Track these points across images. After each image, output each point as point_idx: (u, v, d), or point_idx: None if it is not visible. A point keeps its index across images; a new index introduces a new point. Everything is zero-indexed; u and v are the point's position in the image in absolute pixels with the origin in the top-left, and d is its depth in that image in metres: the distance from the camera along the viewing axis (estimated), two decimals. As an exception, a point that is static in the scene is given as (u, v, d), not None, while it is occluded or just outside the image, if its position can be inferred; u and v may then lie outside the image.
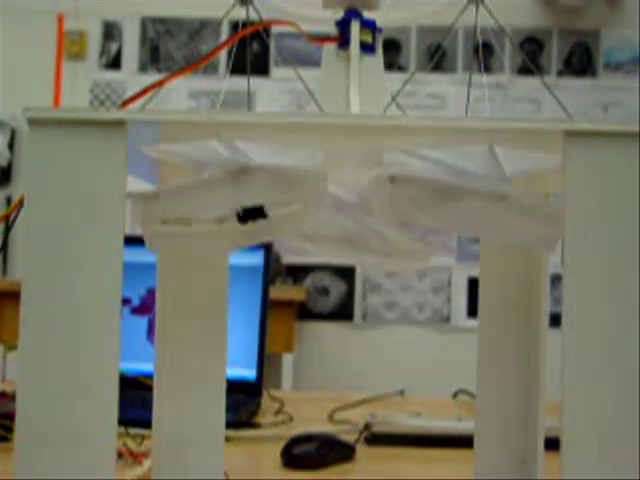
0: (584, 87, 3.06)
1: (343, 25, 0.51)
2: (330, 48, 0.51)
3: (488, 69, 2.89)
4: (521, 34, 2.97)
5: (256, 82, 2.93)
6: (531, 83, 2.95)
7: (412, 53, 2.96)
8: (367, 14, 0.51)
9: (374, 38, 0.51)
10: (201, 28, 3.07)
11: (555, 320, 0.46)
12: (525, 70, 2.98)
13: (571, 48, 3.08)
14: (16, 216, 0.45)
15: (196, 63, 0.46)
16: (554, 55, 3.06)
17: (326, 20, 0.52)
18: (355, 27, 0.50)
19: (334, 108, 0.48)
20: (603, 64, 3.08)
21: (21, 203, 0.42)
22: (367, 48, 0.51)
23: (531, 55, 3.03)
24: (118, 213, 0.41)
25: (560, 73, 3.04)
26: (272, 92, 2.97)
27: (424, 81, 2.93)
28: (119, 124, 0.39)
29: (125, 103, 0.43)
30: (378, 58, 0.52)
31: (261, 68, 2.96)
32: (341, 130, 0.40)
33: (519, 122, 0.38)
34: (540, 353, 0.62)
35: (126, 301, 1.34)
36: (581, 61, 3.08)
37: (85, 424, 0.42)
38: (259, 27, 0.46)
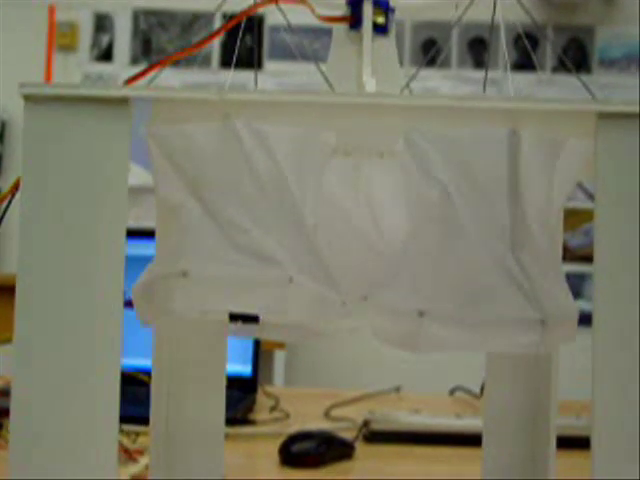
0: (579, 83, 3.04)
1: (355, 4, 0.48)
2: (340, 29, 0.49)
3: (482, 64, 2.87)
4: (515, 29, 2.95)
5: (249, 75, 2.90)
6: (525, 78, 2.94)
7: (407, 48, 2.94)
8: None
9: (387, 19, 0.49)
10: (194, 21, 3.04)
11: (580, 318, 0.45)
12: (519, 66, 2.96)
13: (566, 44, 3.07)
14: (10, 201, 0.42)
15: (196, 45, 0.43)
16: (548, 51, 3.05)
17: (334, 4, 0.50)
18: (368, 6, 0.48)
19: (346, 90, 0.46)
20: (598, 60, 3.07)
21: (16, 187, 0.40)
22: (380, 29, 0.49)
23: (526, 51, 3.01)
24: (121, 197, 0.39)
25: (555, 69, 3.03)
26: (265, 86, 2.94)
27: (418, 76, 2.91)
28: (123, 101, 0.37)
29: (130, 80, 0.40)
30: (391, 40, 0.50)
31: (254, 62, 2.93)
32: (357, 109, 0.38)
33: (548, 103, 0.36)
34: (551, 349, 0.60)
35: (119, 295, 1.32)
36: (575, 57, 3.07)
37: (84, 422, 0.39)
38: (270, 3, 0.44)
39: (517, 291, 0.42)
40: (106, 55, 3.06)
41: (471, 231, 0.42)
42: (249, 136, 0.41)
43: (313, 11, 0.47)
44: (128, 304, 1.50)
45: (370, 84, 0.45)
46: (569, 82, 2.99)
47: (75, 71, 3.02)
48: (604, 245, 0.39)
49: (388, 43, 0.49)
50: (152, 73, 0.43)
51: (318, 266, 0.45)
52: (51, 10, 3.01)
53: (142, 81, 0.42)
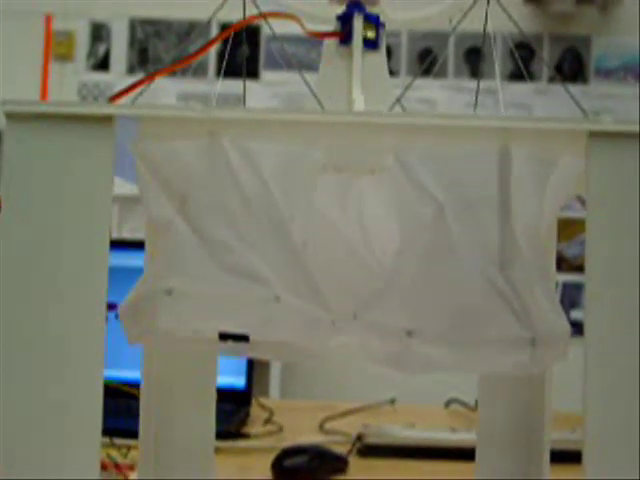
0: (575, 93, 3.05)
1: (345, 19, 0.48)
2: (331, 44, 0.49)
3: (478, 74, 2.87)
4: (512, 40, 2.96)
5: (246, 85, 2.90)
6: (522, 88, 2.94)
7: (403, 58, 2.94)
8: (370, 9, 0.49)
9: (377, 33, 0.48)
10: (190, 29, 3.04)
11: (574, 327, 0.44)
12: (516, 76, 2.97)
13: (562, 54, 3.08)
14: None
15: (186, 59, 0.43)
16: (545, 60, 3.06)
17: (327, 18, 0.50)
18: (358, 21, 0.47)
19: (336, 106, 0.46)
20: (594, 70, 3.08)
21: (-2, 204, 0.39)
22: (370, 44, 0.48)
23: (523, 61, 3.02)
24: (104, 216, 0.38)
25: (551, 79, 3.03)
26: (262, 95, 2.94)
27: (414, 86, 2.91)
28: (107, 120, 0.36)
29: (112, 99, 0.40)
30: (381, 55, 0.49)
31: (251, 71, 2.94)
32: (344, 128, 0.37)
33: (538, 122, 0.36)
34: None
35: (112, 306, 1.32)
36: (572, 67, 3.08)
37: (67, 437, 0.39)
38: (258, 18, 0.43)
39: (506, 310, 0.41)
40: (103, 64, 3.06)
41: (461, 249, 0.41)
42: (236, 153, 0.41)
43: (302, 27, 0.46)
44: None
45: (359, 101, 0.44)
46: (565, 92, 2.99)
47: (72, 80, 3.02)
48: (595, 264, 0.39)
49: (379, 58, 0.49)
50: (139, 89, 0.43)
51: (306, 284, 0.44)
52: (48, 19, 3.01)
53: (134, 93, 0.42)
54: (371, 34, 0.48)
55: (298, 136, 0.40)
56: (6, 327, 0.39)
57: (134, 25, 3.05)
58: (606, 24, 3.04)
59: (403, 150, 0.40)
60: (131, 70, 3.02)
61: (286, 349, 0.46)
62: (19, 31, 2.95)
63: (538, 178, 0.41)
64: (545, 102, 3.04)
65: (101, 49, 3.05)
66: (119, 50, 3.05)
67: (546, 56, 3.03)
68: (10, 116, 0.37)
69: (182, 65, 0.46)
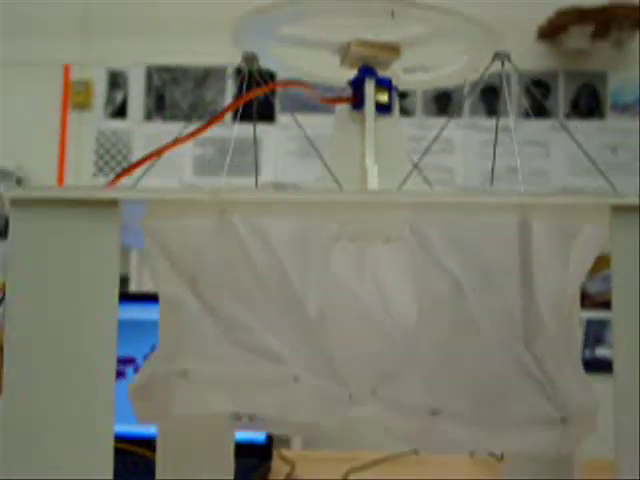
0: (592, 129, 3.05)
1: (357, 84, 0.47)
2: (343, 108, 0.48)
3: (494, 112, 2.87)
4: (527, 77, 2.96)
5: (262, 129, 2.90)
6: (538, 125, 2.94)
7: (418, 98, 2.95)
8: (382, 72, 0.48)
9: (390, 97, 0.47)
10: (206, 76, 3.07)
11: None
12: (533, 112, 2.96)
13: (578, 90, 3.07)
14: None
15: (192, 134, 0.42)
16: (561, 97, 3.05)
17: (340, 79, 0.49)
18: (370, 86, 0.46)
19: (349, 176, 0.44)
20: (610, 106, 3.07)
21: (2, 290, 0.38)
22: (383, 108, 0.47)
23: (538, 98, 3.02)
24: (111, 297, 0.37)
25: (567, 115, 3.03)
26: (278, 139, 2.95)
27: (431, 125, 2.91)
28: (112, 204, 0.35)
29: (118, 176, 0.39)
30: (395, 119, 0.48)
31: (267, 114, 2.95)
32: (358, 207, 0.36)
33: (559, 197, 0.34)
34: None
35: (130, 360, 1.30)
36: (588, 103, 3.07)
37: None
38: (265, 90, 0.43)
39: (535, 388, 0.39)
40: (120, 111, 3.08)
41: (483, 324, 0.40)
42: (247, 231, 0.40)
43: (314, 95, 0.45)
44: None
45: (373, 172, 0.43)
46: (583, 128, 2.98)
47: (90, 129, 3.04)
48: (623, 345, 0.37)
49: (392, 122, 0.48)
50: (150, 162, 0.42)
51: (323, 361, 0.43)
52: (66, 69, 3.05)
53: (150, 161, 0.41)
54: (383, 98, 0.47)
55: (310, 212, 0.39)
56: (12, 406, 0.38)
57: (151, 72, 3.08)
58: (621, 59, 3.04)
59: (419, 222, 0.39)
60: (148, 116, 3.04)
61: (303, 426, 0.44)
62: (38, 81, 2.99)
63: (560, 249, 0.40)
64: (562, 139, 3.03)
65: (118, 97, 3.08)
66: (136, 97, 3.07)
67: (562, 93, 3.02)
68: (15, 202, 0.36)
69: (181, 142, 0.45)
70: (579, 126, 3.01)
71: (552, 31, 2.98)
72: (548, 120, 2.98)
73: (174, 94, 3.06)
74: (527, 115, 2.93)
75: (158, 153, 0.40)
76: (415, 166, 0.46)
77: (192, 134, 0.42)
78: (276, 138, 2.93)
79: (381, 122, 0.47)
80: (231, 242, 0.40)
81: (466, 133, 2.93)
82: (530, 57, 2.97)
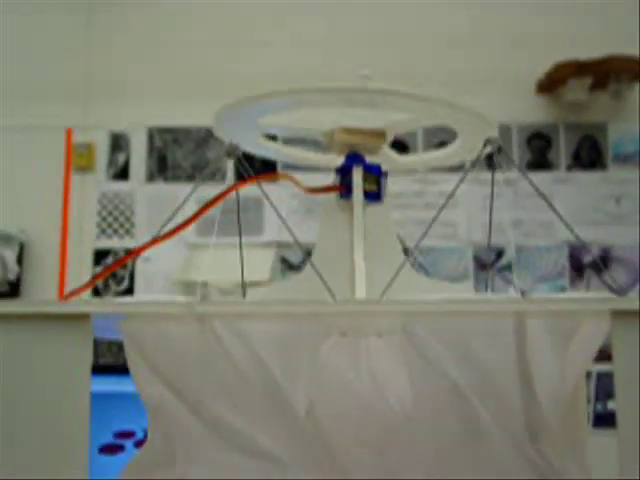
0: (595, 180, 3.05)
1: (344, 172, 0.45)
2: (330, 198, 0.46)
3: (496, 166, 2.87)
4: (528, 130, 2.97)
5: (264, 187, 2.91)
6: (540, 178, 2.94)
7: (419, 151, 2.95)
8: (371, 158, 0.46)
9: (379, 185, 0.46)
10: (207, 136, 3.08)
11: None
12: (534, 165, 2.97)
13: (579, 142, 3.08)
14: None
15: (182, 225, 0.41)
16: (562, 149, 3.06)
17: (326, 164, 0.47)
18: (357, 174, 0.45)
19: (336, 270, 0.43)
20: (612, 157, 3.07)
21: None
22: (372, 196, 0.45)
23: (540, 151, 3.02)
24: (82, 406, 0.35)
25: (569, 167, 3.03)
26: (280, 196, 2.95)
27: (433, 180, 2.91)
28: (83, 317, 0.33)
29: (97, 276, 0.37)
30: (385, 206, 0.46)
31: (269, 172, 2.96)
32: (346, 315, 0.34)
33: (556, 303, 0.33)
34: None
35: (129, 434, 1.27)
36: (590, 154, 3.07)
37: None
38: (251, 182, 0.41)
39: None
40: (123, 173, 3.10)
41: (486, 425, 0.38)
42: (229, 335, 0.38)
43: (299, 186, 0.44)
44: (139, 444, 1.45)
45: (361, 269, 0.41)
46: (585, 180, 2.98)
47: (93, 191, 3.05)
48: (627, 436, 0.35)
49: (382, 210, 0.46)
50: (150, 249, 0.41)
51: (316, 455, 0.41)
52: (68, 133, 3.07)
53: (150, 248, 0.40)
54: (372, 187, 0.45)
55: (293, 320, 0.37)
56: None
57: (152, 134, 3.10)
58: (620, 111, 3.05)
59: (410, 324, 0.37)
60: (150, 178, 3.05)
61: None
62: (40, 145, 3.01)
63: (558, 344, 0.38)
64: (565, 190, 3.03)
65: (121, 158, 3.09)
66: (138, 159, 3.09)
67: (563, 145, 3.03)
68: (-19, 317, 0.34)
69: (181, 229, 0.44)
70: (582, 177, 3.01)
71: (551, 84, 3.00)
72: (550, 172, 2.99)
73: (176, 155, 3.07)
74: (529, 167, 2.93)
75: (138, 251, 0.39)
76: (406, 252, 0.44)
77: (182, 226, 0.41)
78: (278, 195, 2.93)
79: (370, 210, 0.45)
80: (213, 347, 0.38)
81: (469, 188, 2.93)
82: (530, 110, 2.98)
